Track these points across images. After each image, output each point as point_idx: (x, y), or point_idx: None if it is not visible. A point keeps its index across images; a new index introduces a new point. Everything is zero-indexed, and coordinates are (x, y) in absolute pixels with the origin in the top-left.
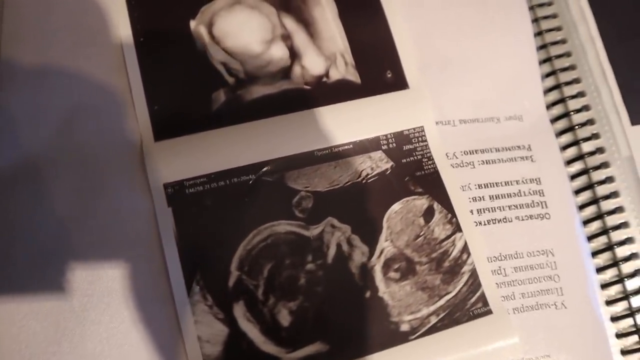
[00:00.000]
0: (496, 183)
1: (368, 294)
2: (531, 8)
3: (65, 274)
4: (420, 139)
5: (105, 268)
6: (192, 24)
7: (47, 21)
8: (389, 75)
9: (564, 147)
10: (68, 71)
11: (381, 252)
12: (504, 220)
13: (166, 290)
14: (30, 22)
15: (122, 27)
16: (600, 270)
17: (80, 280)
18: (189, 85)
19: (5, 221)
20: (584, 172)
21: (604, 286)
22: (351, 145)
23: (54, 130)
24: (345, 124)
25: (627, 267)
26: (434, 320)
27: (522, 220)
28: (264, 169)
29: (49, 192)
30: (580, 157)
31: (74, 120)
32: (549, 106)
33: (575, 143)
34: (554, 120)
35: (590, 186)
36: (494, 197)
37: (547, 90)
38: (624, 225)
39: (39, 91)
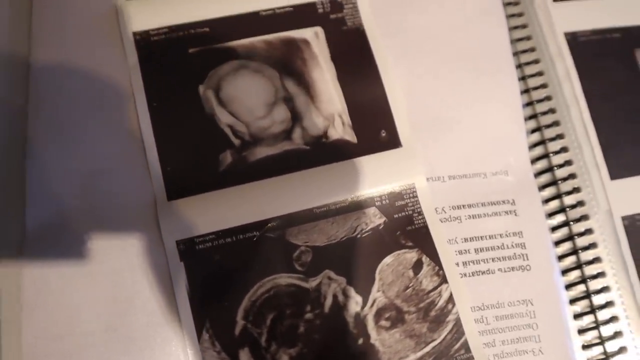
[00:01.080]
0: (481, 237)
1: (361, 341)
2: (519, 66)
3: None
4: (411, 195)
5: (123, 318)
6: (201, 88)
7: (69, 86)
8: (384, 135)
9: (546, 200)
10: (88, 137)
11: (373, 302)
12: (488, 272)
13: (178, 337)
14: (54, 85)
15: (137, 93)
16: (577, 316)
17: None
18: (198, 147)
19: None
20: (565, 224)
21: (581, 332)
22: (347, 202)
23: (76, 192)
24: (343, 182)
25: (603, 314)
26: None
27: (505, 272)
28: (267, 226)
29: (69, 252)
30: (561, 209)
31: (93, 183)
32: (534, 161)
33: (557, 196)
34: (538, 174)
35: (570, 237)
36: (479, 250)
37: (532, 146)
38: (601, 275)
39: (63, 156)
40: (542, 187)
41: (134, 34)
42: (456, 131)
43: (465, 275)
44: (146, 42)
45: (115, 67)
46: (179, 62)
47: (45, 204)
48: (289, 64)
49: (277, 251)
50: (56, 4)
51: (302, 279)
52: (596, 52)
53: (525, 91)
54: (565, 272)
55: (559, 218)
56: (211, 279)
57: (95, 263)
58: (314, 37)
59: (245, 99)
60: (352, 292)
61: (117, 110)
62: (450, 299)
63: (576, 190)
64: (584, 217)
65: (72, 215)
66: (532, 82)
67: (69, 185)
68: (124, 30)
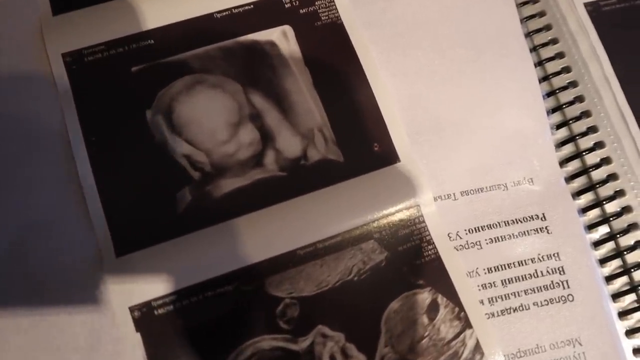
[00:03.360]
0: (508, 265)
1: None
2: (533, 49)
3: None
4: (417, 220)
5: None
6: (148, 113)
7: None
8: (377, 149)
9: (584, 210)
10: (13, 184)
11: None
12: (521, 308)
13: None
14: None
15: (71, 126)
16: (637, 351)
17: None
18: (149, 187)
19: None
20: (610, 237)
21: None
22: (338, 238)
23: (4, 255)
24: (330, 213)
25: None
26: None
27: (542, 306)
28: (242, 277)
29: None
30: (604, 220)
31: (24, 243)
32: (563, 162)
33: (597, 204)
34: (570, 178)
35: (618, 254)
36: (507, 281)
37: (560, 144)
38: None
39: None
40: (577, 194)
41: (64, 55)
42: (465, 136)
43: (492, 315)
44: (79, 64)
45: (43, 97)
46: (121, 84)
47: None
48: (253, 74)
49: (256, 307)
50: None
51: (289, 340)
52: (625, 22)
53: (545, 79)
54: (616, 297)
55: (602, 230)
56: (175, 351)
57: (32, 340)
58: (282, 37)
59: (204, 121)
60: (353, 350)
61: (48, 149)
62: (477, 347)
63: (619, 194)
64: (633, 227)
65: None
66: (552, 67)
67: None
68: (51, 52)
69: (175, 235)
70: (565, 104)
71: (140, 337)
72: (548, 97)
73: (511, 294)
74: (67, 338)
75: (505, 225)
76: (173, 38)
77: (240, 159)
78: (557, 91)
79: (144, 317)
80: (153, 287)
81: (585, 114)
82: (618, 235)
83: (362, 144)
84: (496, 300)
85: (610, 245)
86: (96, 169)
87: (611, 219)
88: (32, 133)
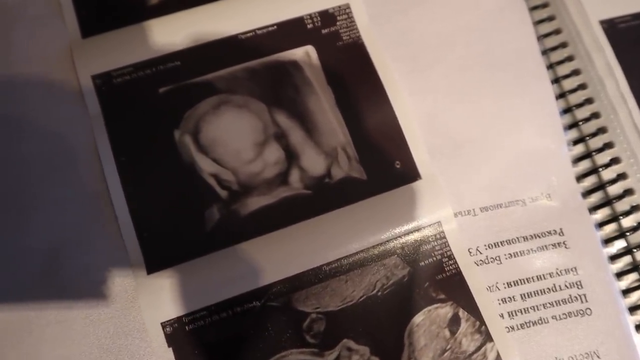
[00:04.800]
0: (527, 279)
1: None
2: (550, 67)
3: None
4: (438, 236)
5: None
6: (176, 134)
7: (18, 147)
8: (398, 166)
9: (600, 224)
10: (47, 203)
11: None
12: (540, 321)
13: None
14: (5, 148)
15: (101, 147)
16: None
17: None
18: (178, 205)
19: None
20: (627, 251)
21: None
22: (362, 254)
23: (37, 270)
24: (354, 230)
25: None
26: None
27: (560, 319)
28: (269, 293)
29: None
30: (620, 234)
31: (56, 262)
32: (580, 178)
33: (614, 219)
34: (587, 193)
35: (635, 268)
36: (526, 295)
37: (576, 160)
38: None
39: (15, 232)
40: (594, 209)
41: (93, 77)
42: (484, 153)
43: (512, 328)
44: (108, 86)
45: (73, 118)
46: (149, 105)
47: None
48: (278, 94)
49: (284, 322)
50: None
51: (316, 354)
52: None
53: (561, 95)
54: (633, 310)
55: (619, 245)
56: None
57: (64, 356)
58: (305, 58)
59: (230, 140)
60: None
61: (79, 169)
62: None
63: (635, 209)
64: None
65: (35, 304)
66: (568, 84)
67: (27, 268)
68: (82, 74)
69: (204, 252)
70: (581, 120)
71: (172, 352)
72: (565, 113)
73: (530, 307)
74: (100, 353)
75: (524, 240)
76: (199, 59)
77: (266, 178)
78: (574, 108)
79: (176, 332)
80: (184, 303)
81: (602, 130)
82: (634, 250)
83: (384, 162)
84: (516, 314)
85: (627, 259)
86: (127, 189)
87: (627, 233)
88: (64, 153)
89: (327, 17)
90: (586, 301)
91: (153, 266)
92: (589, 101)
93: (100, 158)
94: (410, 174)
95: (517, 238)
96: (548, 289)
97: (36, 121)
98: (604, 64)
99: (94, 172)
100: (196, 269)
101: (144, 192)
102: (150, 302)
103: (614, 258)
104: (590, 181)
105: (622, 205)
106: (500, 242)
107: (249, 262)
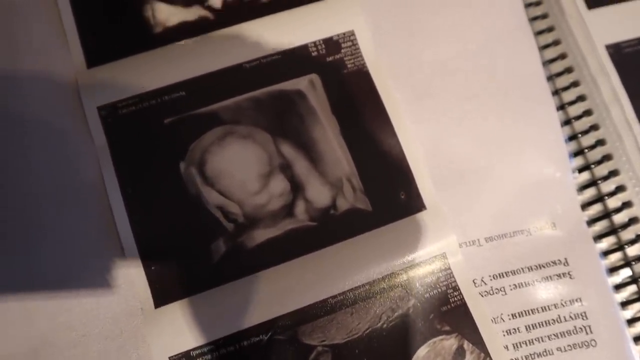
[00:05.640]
0: (532, 310)
1: None
2: (555, 92)
3: None
4: (443, 267)
5: None
6: (182, 165)
7: (25, 180)
8: (403, 197)
9: (605, 253)
10: (53, 236)
11: None
12: (545, 353)
13: None
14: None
15: (108, 179)
16: None
17: None
18: (185, 238)
19: None
20: (632, 281)
21: None
22: (367, 286)
23: (42, 302)
24: (359, 262)
25: None
26: None
27: (565, 351)
28: (276, 326)
29: None
30: (625, 264)
31: (63, 291)
32: (585, 206)
33: (619, 248)
34: (591, 222)
35: None
36: (531, 327)
37: (581, 188)
38: None
39: (27, 263)
40: (599, 237)
41: (99, 108)
42: (489, 182)
43: None
44: (114, 117)
45: (79, 150)
46: (155, 136)
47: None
48: (283, 124)
49: (290, 356)
50: (5, 81)
51: None
52: None
53: (567, 122)
54: (638, 340)
55: (624, 274)
56: None
57: None
58: (309, 87)
59: (235, 172)
60: None
61: (86, 201)
62: None
63: None
64: None
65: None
66: (573, 111)
67: (34, 297)
68: (87, 105)
69: (211, 286)
70: (587, 147)
71: None
72: (570, 140)
73: (535, 339)
74: None
75: (529, 270)
76: (204, 89)
77: (271, 210)
78: (579, 135)
79: None
80: (191, 337)
81: (607, 157)
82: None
83: (389, 192)
84: (520, 346)
85: (632, 288)
86: (133, 221)
87: (633, 262)
88: (70, 185)
89: (331, 44)
90: (591, 332)
91: (160, 300)
92: (594, 128)
93: (107, 190)
94: (415, 205)
95: (522, 268)
96: (553, 320)
97: (42, 153)
98: (609, 90)
99: (101, 204)
100: (203, 303)
101: (150, 225)
102: (158, 336)
103: (618, 287)
104: (595, 209)
105: (627, 234)
106: (505, 273)
107: (256, 295)
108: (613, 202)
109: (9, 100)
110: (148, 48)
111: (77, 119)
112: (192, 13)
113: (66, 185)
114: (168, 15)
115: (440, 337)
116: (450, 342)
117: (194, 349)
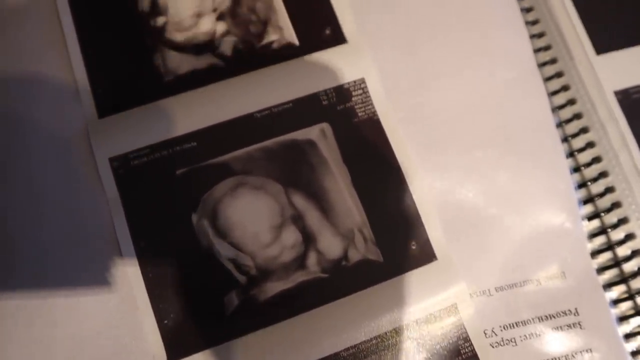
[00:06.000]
0: None
1: None
2: (564, 139)
3: None
4: (454, 318)
5: None
6: (194, 217)
7: (39, 233)
8: (414, 247)
9: (615, 302)
10: (66, 290)
11: None
12: None
13: None
14: (15, 234)
15: (120, 232)
16: None
17: None
18: (198, 291)
19: None
20: None
21: None
22: (379, 339)
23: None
24: (371, 314)
25: None
26: None
27: None
28: None
29: None
30: (636, 312)
31: (81, 348)
32: (594, 254)
33: (629, 297)
34: (601, 270)
35: None
36: None
37: (591, 236)
38: None
39: (40, 318)
40: (608, 286)
41: (111, 160)
42: (498, 231)
43: None
44: (126, 169)
45: (91, 201)
46: (167, 187)
47: None
48: (294, 174)
49: None
50: (16, 130)
51: None
52: None
53: (576, 170)
54: None
55: (634, 323)
56: None
57: None
58: (320, 136)
59: (248, 224)
60: None
61: (98, 254)
62: None
63: None
64: None
65: None
66: (583, 158)
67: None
68: (99, 156)
69: (224, 339)
70: (596, 195)
71: None
72: (580, 188)
73: None
74: None
75: (539, 321)
76: (215, 139)
77: (283, 262)
78: (589, 183)
79: None
80: None
81: (616, 205)
82: None
83: (400, 243)
84: None
85: None
86: (146, 275)
87: None
88: (82, 237)
89: (342, 92)
90: None
91: (174, 355)
92: (603, 175)
93: (119, 243)
94: (426, 255)
95: (532, 319)
96: None
97: (53, 204)
98: (618, 136)
99: (113, 257)
100: (217, 357)
101: (163, 278)
102: None
103: (629, 337)
104: (604, 257)
105: (637, 283)
106: (516, 323)
107: (268, 349)
108: (623, 251)
109: (20, 151)
110: (159, 97)
111: (89, 170)
112: (203, 61)
113: (78, 238)
114: (179, 64)
115: None
116: None
117: None
